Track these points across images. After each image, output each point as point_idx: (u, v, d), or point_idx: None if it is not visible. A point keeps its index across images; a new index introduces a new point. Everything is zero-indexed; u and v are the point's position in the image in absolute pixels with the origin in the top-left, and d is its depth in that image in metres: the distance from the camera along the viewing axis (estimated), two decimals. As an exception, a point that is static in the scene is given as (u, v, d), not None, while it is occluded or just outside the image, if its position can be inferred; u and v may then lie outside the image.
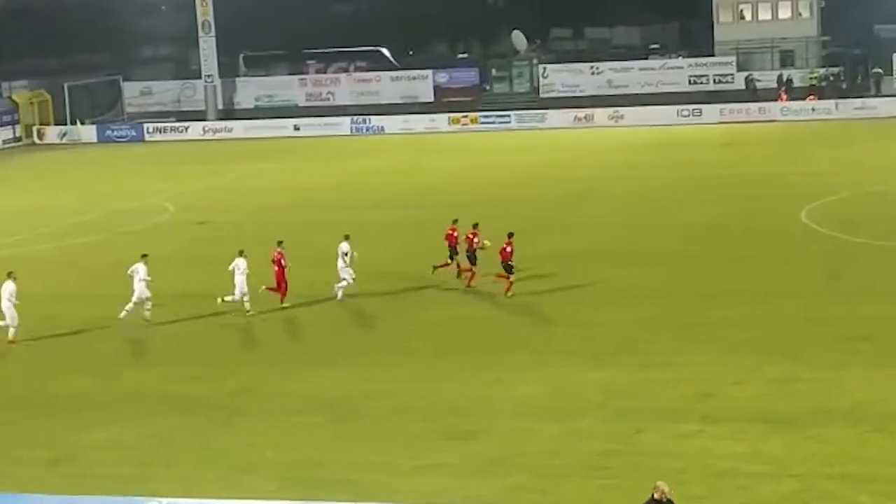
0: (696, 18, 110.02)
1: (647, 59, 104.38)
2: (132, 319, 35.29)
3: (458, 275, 38.40)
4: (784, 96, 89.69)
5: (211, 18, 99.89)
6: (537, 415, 26.54)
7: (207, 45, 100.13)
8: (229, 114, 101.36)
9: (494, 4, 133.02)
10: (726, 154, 68.51)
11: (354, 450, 25.24)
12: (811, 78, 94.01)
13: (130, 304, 35.38)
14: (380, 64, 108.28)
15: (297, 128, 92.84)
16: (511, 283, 36.68)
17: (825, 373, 28.03)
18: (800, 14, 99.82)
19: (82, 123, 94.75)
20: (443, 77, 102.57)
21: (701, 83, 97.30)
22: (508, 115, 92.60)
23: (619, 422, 25.82)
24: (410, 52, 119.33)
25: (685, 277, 37.98)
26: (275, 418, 27.17)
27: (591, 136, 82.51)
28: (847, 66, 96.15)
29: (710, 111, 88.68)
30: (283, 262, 36.56)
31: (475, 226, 38.15)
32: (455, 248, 38.44)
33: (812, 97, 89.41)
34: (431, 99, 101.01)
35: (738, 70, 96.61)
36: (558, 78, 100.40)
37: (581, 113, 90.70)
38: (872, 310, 32.97)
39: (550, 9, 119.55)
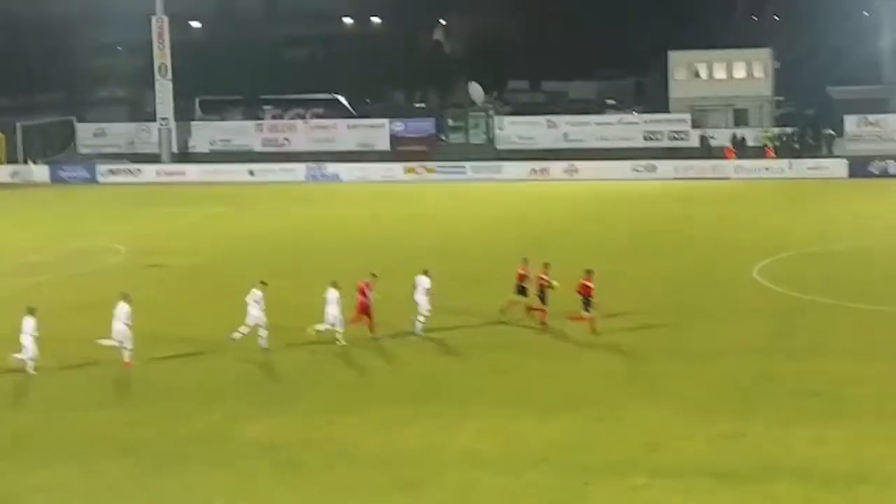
0: (652, 75, 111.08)
1: (602, 113, 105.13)
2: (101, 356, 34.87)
3: (528, 312, 39.03)
4: (731, 154, 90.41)
5: (168, 62, 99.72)
6: (485, 466, 26.39)
7: (163, 88, 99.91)
8: (184, 157, 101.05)
9: (452, 55, 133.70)
10: (680, 210, 68.87)
11: (301, 498, 24.99)
12: (764, 137, 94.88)
13: (245, 328, 35.91)
14: (336, 111, 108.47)
15: (252, 173, 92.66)
16: (591, 318, 37.24)
17: (774, 429, 28.06)
18: (754, 74, 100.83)
19: (35, 163, 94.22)
20: (399, 126, 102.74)
21: (656, 139, 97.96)
22: (464, 166, 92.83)
23: (567, 475, 25.72)
24: (367, 101, 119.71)
25: (636, 331, 38.01)
26: (222, 464, 26.88)
27: (546, 188, 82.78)
28: (800, 126, 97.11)
29: (665, 167, 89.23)
30: (366, 292, 36.88)
31: (546, 265, 39.04)
32: (524, 287, 39.18)
33: (770, 153, 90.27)
34: (387, 148, 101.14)
35: (693, 127, 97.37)
36: (514, 130, 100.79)
37: (537, 166, 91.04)
38: (821, 366, 33.12)
39: (508, 61, 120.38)
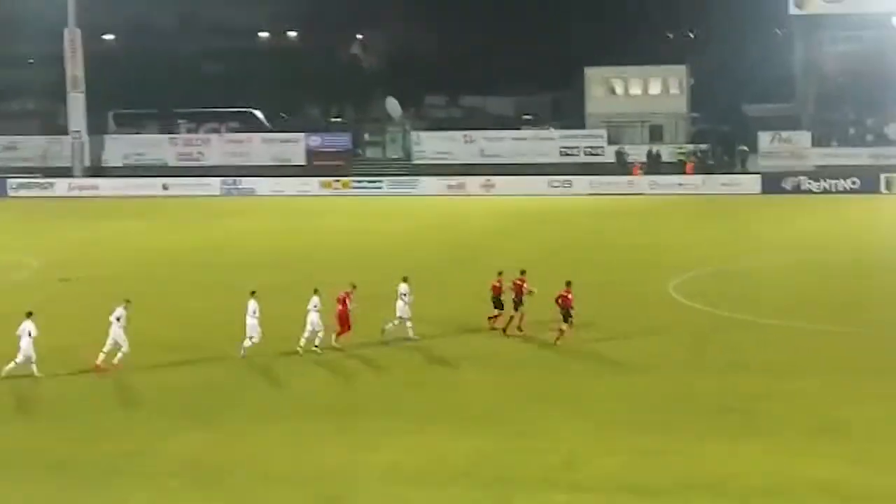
0: (569, 91, 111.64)
1: (519, 129, 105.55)
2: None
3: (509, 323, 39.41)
4: (637, 171, 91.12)
5: (80, 74, 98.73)
6: (405, 481, 26.15)
7: (76, 102, 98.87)
8: (97, 171, 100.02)
9: (369, 70, 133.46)
10: (596, 225, 69.19)
11: (218, 516, 24.64)
12: (679, 153, 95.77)
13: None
14: (252, 125, 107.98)
15: (165, 187, 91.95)
16: (562, 331, 37.38)
17: (692, 445, 28.09)
18: (669, 90, 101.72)
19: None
20: (315, 140, 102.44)
21: (572, 155, 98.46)
22: (380, 181, 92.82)
23: (489, 489, 25.55)
24: (284, 115, 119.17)
25: (555, 346, 37.96)
26: (146, 480, 26.39)
27: (462, 203, 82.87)
28: (714, 142, 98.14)
29: (581, 183, 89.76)
30: (347, 302, 37.03)
31: (523, 272, 39.34)
32: (499, 299, 39.53)
33: (690, 168, 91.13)
34: (304, 162, 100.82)
35: (609, 143, 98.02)
36: (431, 145, 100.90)
37: (453, 181, 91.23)
38: (738, 383, 33.24)
39: (425, 76, 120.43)
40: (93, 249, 62.41)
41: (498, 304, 39.71)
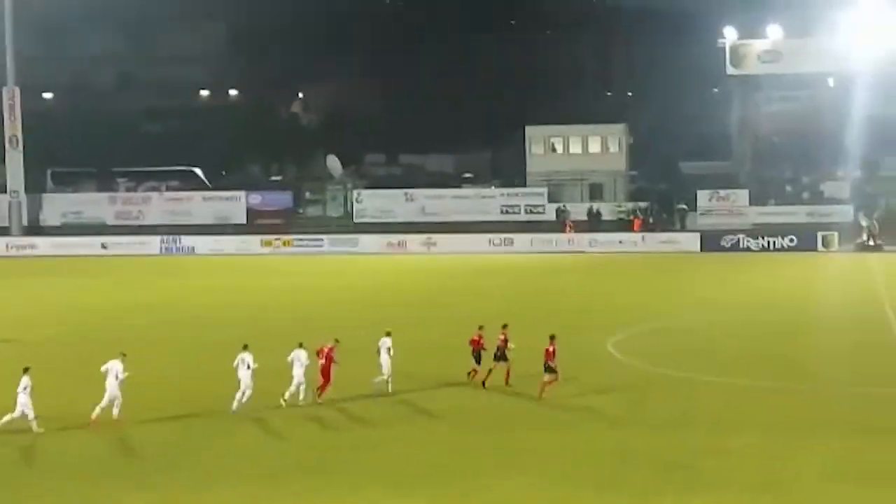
0: (509, 149, 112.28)
1: (460, 187, 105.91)
2: None
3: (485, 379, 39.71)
4: (568, 228, 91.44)
5: (19, 133, 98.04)
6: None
7: (14, 160, 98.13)
8: (35, 230, 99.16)
9: (309, 128, 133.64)
10: (537, 283, 69.27)
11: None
12: (620, 211, 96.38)
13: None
14: (192, 184, 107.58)
15: (104, 246, 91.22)
16: (548, 383, 37.98)
17: (637, 501, 27.97)
18: (609, 149, 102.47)
19: None
20: (256, 199, 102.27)
21: (513, 213, 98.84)
22: (321, 239, 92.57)
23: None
24: (224, 173, 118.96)
25: (495, 402, 37.83)
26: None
27: (404, 261, 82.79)
28: (653, 200, 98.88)
29: (522, 241, 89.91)
30: (333, 356, 37.52)
31: (504, 326, 39.96)
32: (479, 354, 39.90)
33: (638, 224, 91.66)
34: (244, 220, 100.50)
35: (550, 201, 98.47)
36: (372, 203, 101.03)
37: (394, 238, 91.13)
38: (679, 439, 33.20)
39: (365, 134, 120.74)
40: (30, 309, 61.71)
41: (478, 358, 39.96)
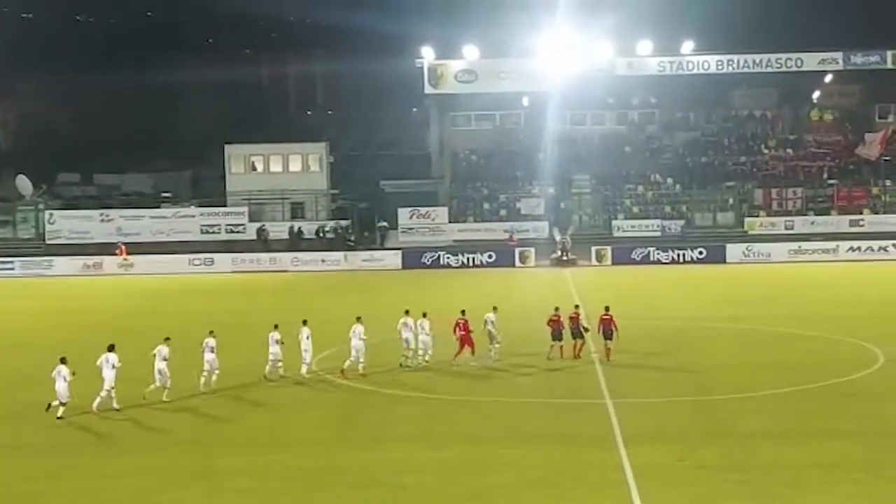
0: (208, 168, 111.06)
1: (158, 206, 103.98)
2: None
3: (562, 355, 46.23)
4: (122, 252, 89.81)
5: None
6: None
7: None
8: None
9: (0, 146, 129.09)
10: (239, 303, 68.49)
11: None
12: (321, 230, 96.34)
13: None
14: None
15: None
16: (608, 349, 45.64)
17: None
18: (310, 167, 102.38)
19: None
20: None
21: (213, 232, 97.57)
22: (12, 262, 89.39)
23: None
24: None
25: (200, 425, 36.92)
26: None
27: (101, 283, 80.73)
28: (354, 218, 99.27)
29: (223, 260, 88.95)
30: (468, 327, 45.45)
31: (577, 307, 47.95)
32: (559, 332, 46.09)
33: (513, 240, 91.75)
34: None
35: (251, 220, 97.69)
36: (66, 224, 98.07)
37: (90, 260, 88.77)
38: (383, 456, 32.99)
39: (57, 153, 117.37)
40: None
41: (558, 335, 45.85)
